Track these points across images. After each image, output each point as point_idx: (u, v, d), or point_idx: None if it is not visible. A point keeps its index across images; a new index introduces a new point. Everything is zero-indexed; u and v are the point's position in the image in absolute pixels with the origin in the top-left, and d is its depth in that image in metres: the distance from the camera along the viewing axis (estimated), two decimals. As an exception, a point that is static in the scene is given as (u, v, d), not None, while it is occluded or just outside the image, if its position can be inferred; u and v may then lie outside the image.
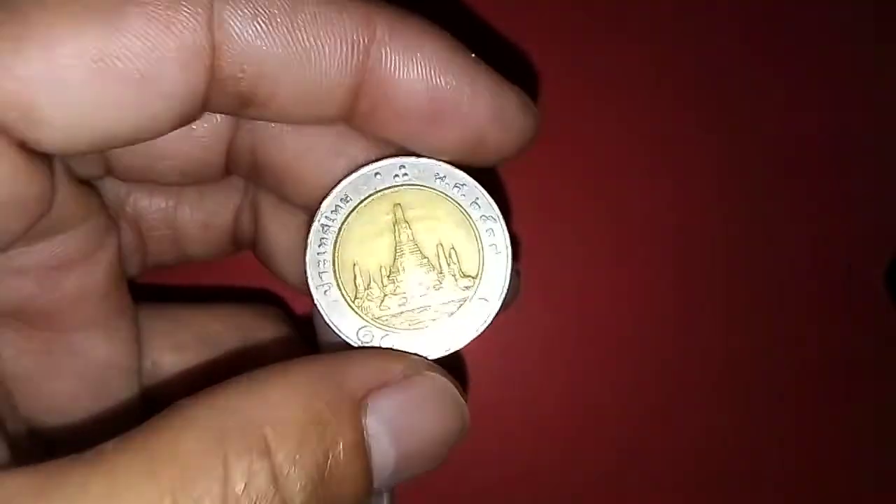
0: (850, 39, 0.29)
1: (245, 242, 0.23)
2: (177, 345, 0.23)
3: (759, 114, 0.29)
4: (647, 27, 0.29)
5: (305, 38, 0.16)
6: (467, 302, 0.18)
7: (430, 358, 0.18)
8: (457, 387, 0.18)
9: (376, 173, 0.18)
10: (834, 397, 0.29)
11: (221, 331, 0.23)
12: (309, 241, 0.18)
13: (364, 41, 0.16)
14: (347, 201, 0.18)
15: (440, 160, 0.18)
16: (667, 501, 0.29)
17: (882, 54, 0.29)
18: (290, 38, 0.16)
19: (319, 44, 0.16)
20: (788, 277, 0.29)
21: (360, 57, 0.16)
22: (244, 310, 0.24)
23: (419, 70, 0.17)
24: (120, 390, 0.21)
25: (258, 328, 0.23)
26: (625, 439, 0.29)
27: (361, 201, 0.18)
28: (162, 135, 0.16)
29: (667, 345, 0.29)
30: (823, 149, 0.29)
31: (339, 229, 0.18)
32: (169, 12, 0.15)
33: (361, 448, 0.16)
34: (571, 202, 0.29)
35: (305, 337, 0.24)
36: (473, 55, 0.18)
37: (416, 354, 0.18)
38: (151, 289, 0.23)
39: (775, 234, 0.29)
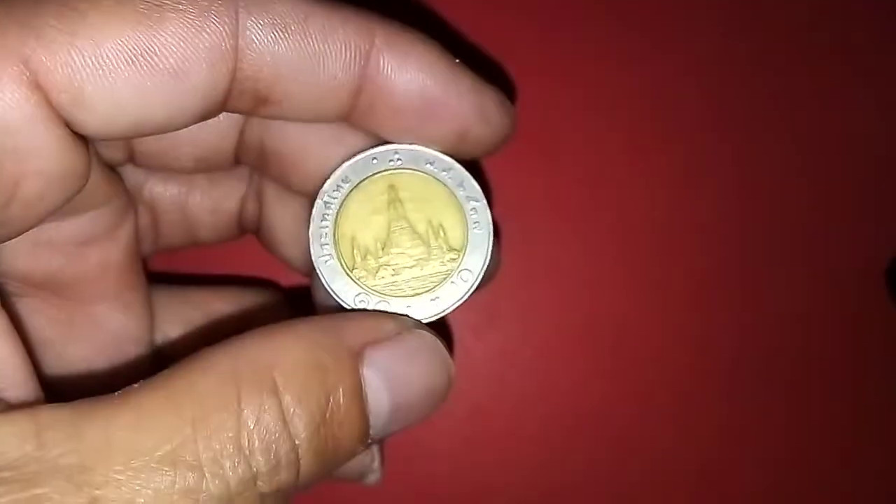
0: (850, 38, 0.30)
1: (249, 227, 0.25)
2: (186, 321, 0.25)
3: (758, 112, 0.29)
4: (638, 23, 0.30)
5: (315, 44, 0.18)
6: (453, 272, 0.21)
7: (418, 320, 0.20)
8: (443, 343, 0.20)
9: (373, 158, 0.21)
10: (834, 397, 0.29)
11: (226, 309, 0.25)
12: (312, 216, 0.21)
13: (364, 47, 0.19)
14: (347, 182, 0.21)
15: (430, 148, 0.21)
16: (665, 500, 0.30)
17: (882, 54, 0.30)
18: (302, 45, 0.18)
19: (327, 49, 0.18)
20: (788, 276, 0.29)
21: (362, 61, 0.19)
22: (247, 291, 0.26)
23: (412, 73, 0.19)
24: (133, 359, 0.23)
25: (259, 304, 0.26)
26: (626, 441, 0.29)
27: (360, 182, 0.21)
28: (184, 127, 0.19)
29: (666, 342, 0.29)
30: (823, 148, 0.29)
31: (340, 207, 0.21)
32: (200, 19, 0.17)
33: (359, 394, 0.18)
34: (580, 203, 0.29)
35: (303, 312, 0.26)
36: (458, 61, 0.20)
37: (406, 316, 0.20)
38: (164, 275, 0.25)
39: (776, 233, 0.29)
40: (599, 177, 0.29)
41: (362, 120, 0.20)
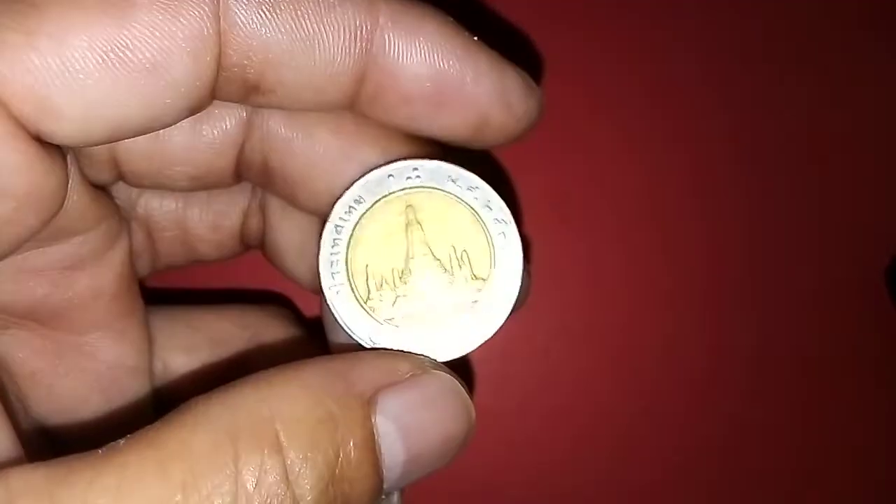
0: (851, 39, 0.29)
1: (254, 242, 0.23)
2: (187, 346, 0.23)
3: (761, 112, 0.29)
4: (660, 16, 0.29)
5: (309, 24, 0.16)
6: (478, 304, 0.18)
7: (440, 360, 0.18)
8: (463, 386, 0.18)
9: (389, 175, 0.19)
10: (834, 397, 0.29)
11: (231, 331, 0.23)
12: (322, 242, 0.18)
13: (367, 27, 0.17)
14: (361, 203, 0.19)
15: (452, 163, 0.18)
16: (667, 500, 0.29)
17: (883, 54, 0.29)
18: (294, 25, 0.16)
19: (323, 30, 0.16)
20: (789, 276, 0.29)
21: (364, 43, 0.17)
22: (253, 310, 0.24)
23: (422, 54, 0.17)
24: (130, 391, 0.21)
25: (267, 327, 0.24)
26: (629, 440, 0.29)
27: (374, 203, 0.19)
28: (172, 124, 0.17)
29: (666, 342, 0.29)
30: (824, 148, 0.29)
31: (352, 230, 0.18)
32: (176, 2, 0.15)
33: (371, 446, 0.16)
34: (583, 202, 0.29)
35: (314, 335, 0.24)
36: (476, 38, 0.18)
37: (422, 356, 0.18)
38: (162, 292, 0.24)
39: (776, 233, 0.29)
40: (603, 176, 0.29)
41: (368, 108, 0.18)
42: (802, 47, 0.29)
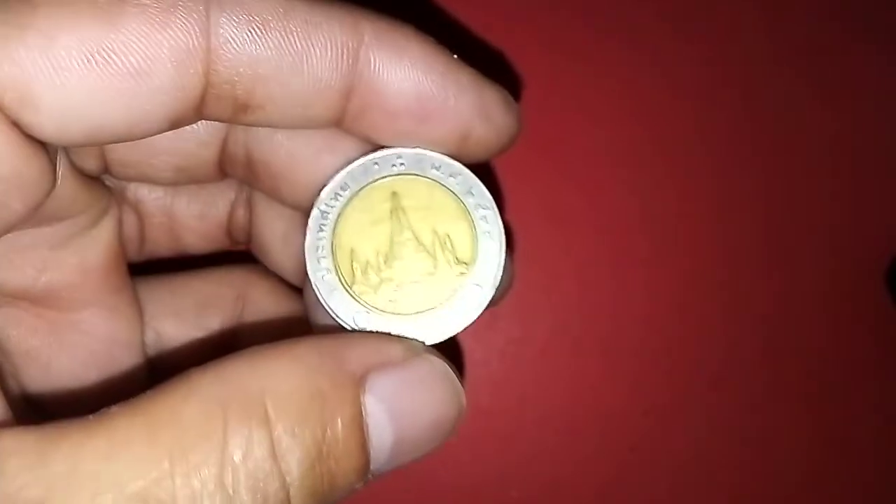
0: (852, 39, 0.29)
1: (240, 236, 0.23)
2: (176, 311, 0.23)
3: (760, 112, 0.29)
4: (640, 20, 0.29)
5: (297, 42, 0.17)
6: (462, 288, 0.19)
7: (426, 343, 0.19)
8: (454, 371, 0.18)
9: (374, 163, 0.19)
10: (834, 397, 0.29)
11: (216, 292, 0.24)
12: (308, 227, 0.19)
13: (353, 45, 0.17)
14: (346, 189, 0.19)
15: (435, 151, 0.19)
16: (665, 500, 0.30)
17: (884, 54, 0.29)
18: (282, 43, 0.16)
19: (310, 48, 0.17)
20: (789, 277, 0.29)
21: (350, 60, 0.17)
22: (235, 270, 0.25)
23: (406, 71, 0.17)
24: (125, 364, 0.22)
25: (253, 286, 0.24)
26: (627, 441, 0.29)
27: (359, 190, 0.19)
28: (154, 134, 0.17)
29: (665, 342, 0.29)
30: (824, 149, 0.29)
31: (338, 216, 0.19)
32: (165, 14, 0.15)
33: (359, 425, 0.16)
34: (568, 197, 0.29)
35: (298, 292, 0.24)
36: (455, 57, 0.18)
37: (414, 339, 0.19)
38: (147, 262, 0.24)
39: (776, 233, 0.29)
40: (600, 178, 0.29)
41: (355, 125, 0.18)
42: (803, 47, 0.29)
